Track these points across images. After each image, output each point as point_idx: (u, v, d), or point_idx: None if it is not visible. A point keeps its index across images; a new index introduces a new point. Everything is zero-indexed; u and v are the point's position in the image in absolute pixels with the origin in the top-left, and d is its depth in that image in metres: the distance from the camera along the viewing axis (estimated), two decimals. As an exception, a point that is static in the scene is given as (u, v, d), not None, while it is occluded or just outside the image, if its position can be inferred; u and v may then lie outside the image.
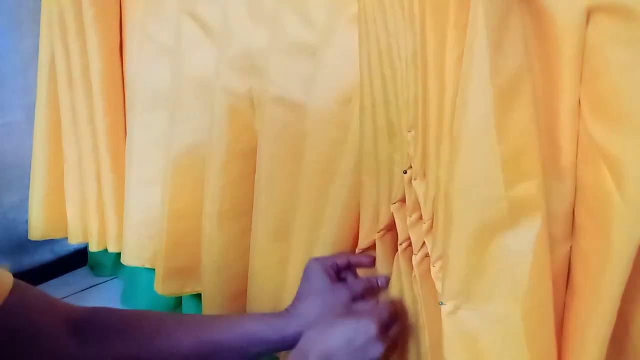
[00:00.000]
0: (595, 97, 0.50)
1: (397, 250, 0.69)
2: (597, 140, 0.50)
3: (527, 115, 0.50)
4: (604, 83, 0.49)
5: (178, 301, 1.11)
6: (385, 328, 0.65)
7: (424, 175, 0.62)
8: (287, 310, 0.72)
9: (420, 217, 0.65)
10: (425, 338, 0.64)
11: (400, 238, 0.68)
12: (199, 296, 0.95)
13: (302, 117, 0.74)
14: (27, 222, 1.16)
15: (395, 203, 0.68)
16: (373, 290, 0.73)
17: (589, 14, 0.49)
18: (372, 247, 0.74)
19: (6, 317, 0.57)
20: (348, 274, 0.75)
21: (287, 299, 0.79)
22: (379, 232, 0.71)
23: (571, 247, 0.56)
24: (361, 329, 0.63)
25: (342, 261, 0.74)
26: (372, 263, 0.74)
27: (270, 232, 0.81)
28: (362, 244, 0.75)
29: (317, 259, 0.74)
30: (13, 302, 0.57)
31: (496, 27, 0.48)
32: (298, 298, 0.72)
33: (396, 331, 0.68)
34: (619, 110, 0.48)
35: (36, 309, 0.61)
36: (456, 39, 0.53)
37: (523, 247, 0.52)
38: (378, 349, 0.64)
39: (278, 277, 0.81)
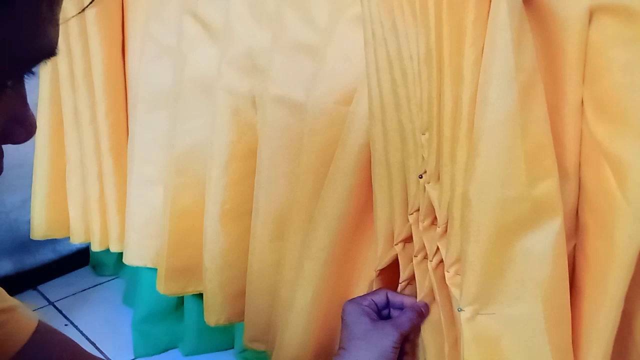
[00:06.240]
0: (597, 97, 0.50)
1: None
2: (600, 140, 0.50)
3: (544, 112, 0.50)
4: (606, 83, 0.49)
5: (180, 301, 1.11)
6: None
7: (438, 178, 0.60)
8: None
9: (433, 222, 0.63)
10: (445, 345, 0.62)
11: (415, 249, 0.65)
12: (200, 295, 0.95)
13: (302, 116, 0.73)
14: (29, 221, 1.16)
15: (412, 213, 0.64)
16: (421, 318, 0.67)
17: (592, 14, 0.49)
18: (390, 265, 0.70)
19: None
20: (390, 310, 0.69)
21: (282, 301, 0.79)
22: (396, 245, 0.68)
23: (575, 247, 0.55)
24: None
25: (380, 299, 0.69)
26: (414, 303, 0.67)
27: (267, 232, 0.80)
28: (381, 262, 0.70)
29: (351, 301, 0.68)
30: (33, 346, 0.54)
31: (517, 23, 0.48)
32: (343, 347, 0.66)
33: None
34: (621, 110, 0.48)
35: (58, 357, 0.58)
36: (475, 35, 0.51)
37: (544, 247, 0.52)
38: None
39: (274, 277, 0.81)
